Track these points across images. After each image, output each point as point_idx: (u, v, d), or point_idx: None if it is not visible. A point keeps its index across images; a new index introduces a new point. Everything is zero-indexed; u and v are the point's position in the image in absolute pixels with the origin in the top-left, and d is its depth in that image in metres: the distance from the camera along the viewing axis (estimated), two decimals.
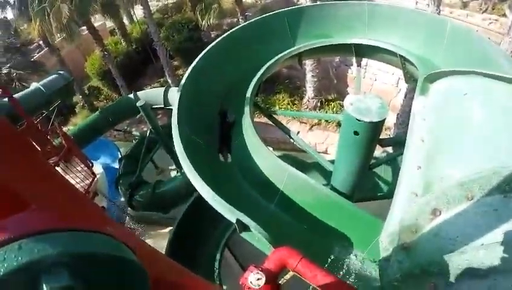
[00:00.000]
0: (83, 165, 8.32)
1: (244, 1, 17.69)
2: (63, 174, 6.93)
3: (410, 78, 6.39)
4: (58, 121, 13.19)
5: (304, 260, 2.39)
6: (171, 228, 8.78)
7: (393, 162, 7.35)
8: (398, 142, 7.47)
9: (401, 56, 6.14)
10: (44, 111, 10.44)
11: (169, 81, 15.84)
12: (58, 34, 15.03)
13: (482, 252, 1.07)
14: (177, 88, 6.81)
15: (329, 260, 4.46)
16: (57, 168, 6.70)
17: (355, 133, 3.49)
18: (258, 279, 2.36)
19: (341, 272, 4.55)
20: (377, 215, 4.12)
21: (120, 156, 12.21)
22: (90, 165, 8.80)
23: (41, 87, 10.93)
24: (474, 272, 1.05)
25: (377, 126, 3.47)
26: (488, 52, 4.67)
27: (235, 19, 17.09)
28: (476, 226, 1.29)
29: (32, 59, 19.24)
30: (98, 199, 9.68)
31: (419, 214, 1.53)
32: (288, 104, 14.13)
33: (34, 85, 11.23)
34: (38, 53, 20.65)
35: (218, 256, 8.29)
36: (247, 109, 5.78)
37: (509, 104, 2.18)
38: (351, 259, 4.71)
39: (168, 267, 1.11)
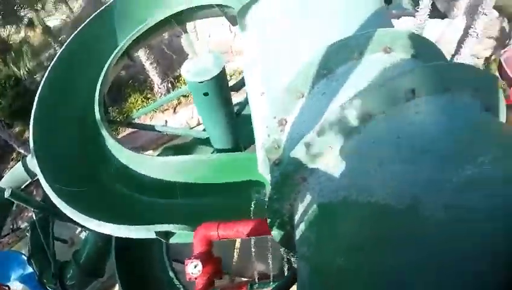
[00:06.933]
0: None
1: (53, 25, 16.19)
2: None
3: (235, 21, 6.50)
4: None
5: (221, 225, 2.52)
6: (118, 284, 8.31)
7: None
8: None
9: (216, 5, 6.17)
10: None
11: (22, 151, 13.94)
12: None
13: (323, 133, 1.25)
14: (30, 154, 6.13)
15: (252, 208, 4.61)
16: None
17: (205, 94, 3.59)
18: (196, 266, 2.46)
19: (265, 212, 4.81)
20: None
21: (27, 258, 10.80)
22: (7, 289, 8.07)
23: None
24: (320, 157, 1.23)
25: (220, 77, 3.59)
26: None
27: (52, 49, 15.53)
28: (315, 115, 1.47)
29: None
30: None
31: (271, 132, 1.69)
32: (143, 101, 13.63)
33: None
34: None
35: (171, 274, 8.11)
36: (104, 132, 5.49)
37: None
38: (266, 196, 4.97)
39: None
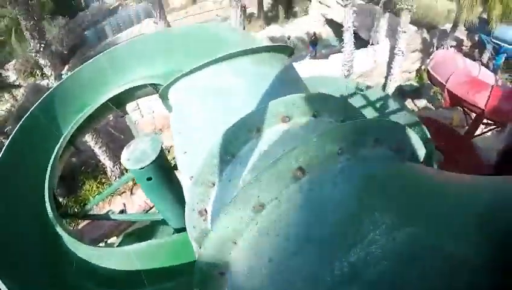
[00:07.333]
0: None
1: None
2: None
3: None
4: None
5: None
6: None
7: None
8: None
9: (149, 84, 6.19)
10: None
11: None
12: None
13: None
14: None
15: None
16: None
17: (149, 179, 3.55)
18: None
19: None
20: None
21: None
22: None
23: None
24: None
25: (160, 159, 3.56)
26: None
27: None
28: (222, 201, 1.48)
29: None
30: None
31: (195, 223, 1.69)
32: (98, 187, 13.21)
33: None
34: None
35: None
36: (59, 229, 5.23)
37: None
38: None
39: None
